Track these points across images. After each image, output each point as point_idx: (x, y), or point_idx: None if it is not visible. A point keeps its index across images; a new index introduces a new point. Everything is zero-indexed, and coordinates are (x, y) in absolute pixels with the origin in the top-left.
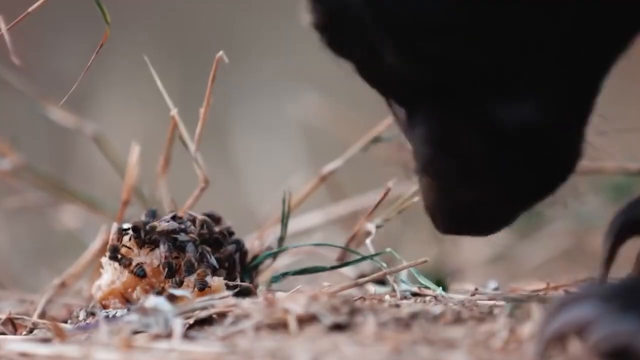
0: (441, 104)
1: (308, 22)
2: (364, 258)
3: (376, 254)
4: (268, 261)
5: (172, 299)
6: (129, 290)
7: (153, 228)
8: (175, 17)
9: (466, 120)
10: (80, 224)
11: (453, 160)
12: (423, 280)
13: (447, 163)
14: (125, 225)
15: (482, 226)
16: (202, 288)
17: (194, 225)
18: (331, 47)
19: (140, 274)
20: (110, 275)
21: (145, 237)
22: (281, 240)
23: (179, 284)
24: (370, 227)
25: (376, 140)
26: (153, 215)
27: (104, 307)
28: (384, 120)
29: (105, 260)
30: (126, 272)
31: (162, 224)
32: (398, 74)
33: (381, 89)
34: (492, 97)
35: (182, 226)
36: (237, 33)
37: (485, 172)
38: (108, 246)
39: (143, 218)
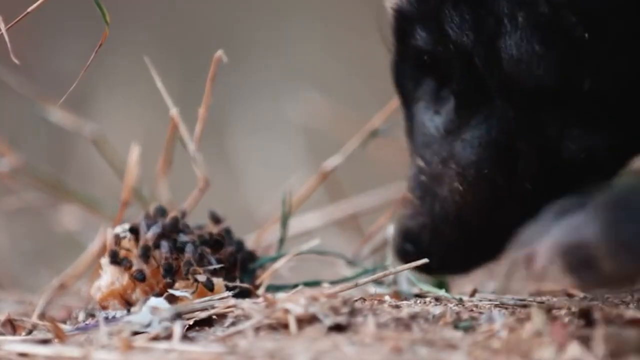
0: (517, 109)
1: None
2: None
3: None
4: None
5: (172, 299)
6: (129, 291)
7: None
8: (175, 17)
9: (534, 131)
10: (80, 225)
11: (502, 168)
12: (423, 285)
13: (495, 169)
14: (121, 228)
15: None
16: (210, 287)
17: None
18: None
19: (139, 278)
20: (109, 276)
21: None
22: (281, 241)
23: (172, 284)
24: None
25: (374, 133)
26: (161, 213)
27: (103, 308)
28: (380, 114)
29: (104, 261)
30: (126, 274)
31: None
32: (518, 63)
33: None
34: (574, 116)
35: (181, 227)
36: (236, 33)
37: (527, 189)
38: (107, 251)
39: (143, 217)
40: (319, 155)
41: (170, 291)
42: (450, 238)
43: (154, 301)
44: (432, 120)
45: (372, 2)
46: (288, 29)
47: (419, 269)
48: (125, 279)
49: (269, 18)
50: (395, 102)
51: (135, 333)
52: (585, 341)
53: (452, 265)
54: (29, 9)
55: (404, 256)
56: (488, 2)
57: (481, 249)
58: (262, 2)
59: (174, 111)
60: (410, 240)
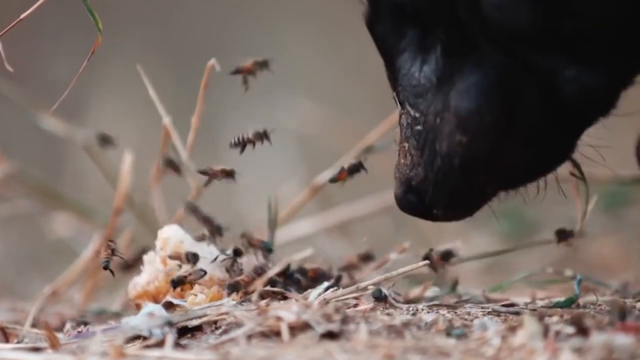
0: (506, 54)
1: None
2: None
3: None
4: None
5: (169, 307)
6: (160, 295)
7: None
8: (167, 25)
9: (528, 75)
10: (72, 232)
11: (503, 114)
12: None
13: (496, 117)
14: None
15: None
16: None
17: None
18: None
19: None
20: (147, 276)
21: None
22: (270, 247)
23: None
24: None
25: (369, 149)
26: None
27: (137, 306)
28: (377, 129)
29: (147, 258)
30: (160, 277)
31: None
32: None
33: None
34: (565, 58)
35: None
36: (229, 40)
37: (529, 133)
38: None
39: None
40: (312, 163)
41: (168, 298)
42: (454, 188)
43: (150, 307)
44: (422, 70)
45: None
46: (281, 35)
47: (423, 217)
48: (159, 281)
49: (262, 25)
50: (390, 119)
51: (131, 339)
52: (578, 349)
53: (455, 212)
54: (22, 16)
55: (408, 207)
56: None
57: (486, 193)
58: (255, 9)
59: (166, 120)
60: (413, 191)
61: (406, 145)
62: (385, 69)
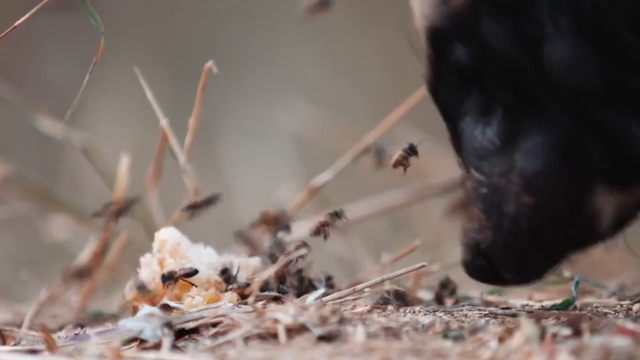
0: (572, 112)
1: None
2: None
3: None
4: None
5: (166, 309)
6: (157, 297)
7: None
8: (165, 27)
9: (595, 133)
10: (69, 235)
11: (570, 173)
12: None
13: (563, 176)
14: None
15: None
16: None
17: None
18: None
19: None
20: (145, 278)
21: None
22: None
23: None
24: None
25: (367, 151)
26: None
27: (134, 309)
28: (374, 131)
29: (144, 260)
30: (157, 279)
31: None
32: (562, 65)
33: (507, 80)
34: (633, 115)
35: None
36: (227, 43)
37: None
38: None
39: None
40: (310, 165)
41: (165, 301)
42: (523, 251)
43: (147, 309)
44: (484, 133)
45: (363, 11)
46: (279, 38)
47: (492, 281)
48: (156, 283)
49: (259, 27)
50: (388, 121)
51: (128, 341)
52: (575, 351)
53: (526, 275)
54: (17, 22)
55: (477, 271)
56: (528, 9)
57: (556, 255)
58: (252, 11)
59: (164, 122)
60: (482, 255)
61: (473, 209)
62: (448, 132)
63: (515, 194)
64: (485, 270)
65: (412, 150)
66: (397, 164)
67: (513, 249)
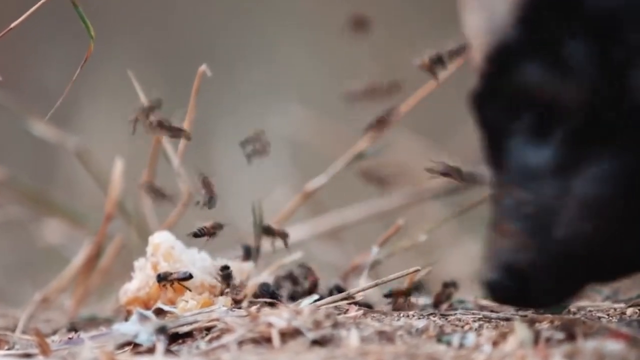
0: None
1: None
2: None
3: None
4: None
5: (160, 313)
6: (151, 302)
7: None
8: (159, 30)
9: None
10: (63, 239)
11: (630, 207)
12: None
13: (622, 208)
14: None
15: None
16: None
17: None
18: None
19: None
20: (138, 282)
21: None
22: (256, 251)
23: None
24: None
25: (360, 156)
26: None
27: (128, 313)
28: (368, 135)
29: (138, 265)
30: (151, 283)
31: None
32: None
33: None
34: None
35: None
36: (221, 46)
37: None
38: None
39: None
40: (304, 169)
41: (159, 305)
42: (571, 275)
43: (141, 313)
44: (539, 153)
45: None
46: (274, 42)
47: (521, 304)
48: (150, 287)
49: (254, 31)
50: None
51: (122, 345)
52: (569, 355)
53: (559, 298)
54: (12, 25)
55: (505, 293)
56: (615, 32)
57: (604, 281)
58: (247, 15)
59: None
60: (515, 276)
61: (506, 226)
62: (485, 146)
63: (570, 217)
64: (515, 293)
65: (442, 59)
66: (426, 67)
67: (561, 272)
